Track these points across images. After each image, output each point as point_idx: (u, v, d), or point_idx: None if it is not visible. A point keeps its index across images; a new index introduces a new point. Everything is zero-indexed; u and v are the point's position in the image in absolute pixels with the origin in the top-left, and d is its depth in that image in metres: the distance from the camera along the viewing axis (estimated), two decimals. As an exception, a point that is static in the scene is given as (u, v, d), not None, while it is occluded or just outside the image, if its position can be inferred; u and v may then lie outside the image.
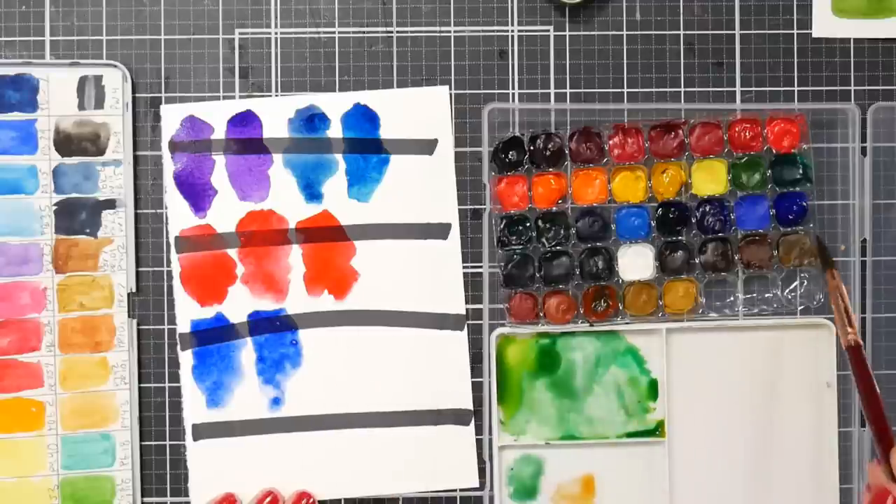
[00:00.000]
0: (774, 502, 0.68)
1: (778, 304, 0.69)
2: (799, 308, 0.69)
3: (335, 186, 0.68)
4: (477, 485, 0.68)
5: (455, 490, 0.68)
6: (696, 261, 0.68)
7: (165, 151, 0.68)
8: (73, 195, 0.67)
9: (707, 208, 0.68)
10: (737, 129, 0.68)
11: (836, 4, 0.69)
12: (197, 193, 0.68)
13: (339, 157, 0.68)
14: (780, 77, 0.69)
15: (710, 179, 0.68)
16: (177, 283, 0.68)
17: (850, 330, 0.61)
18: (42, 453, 0.67)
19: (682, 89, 0.69)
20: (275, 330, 0.68)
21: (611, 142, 0.68)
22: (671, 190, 0.68)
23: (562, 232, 0.68)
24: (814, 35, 0.69)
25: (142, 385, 0.68)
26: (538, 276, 0.68)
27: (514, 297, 0.68)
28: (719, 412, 0.68)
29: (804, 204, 0.68)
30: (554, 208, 0.68)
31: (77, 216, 0.67)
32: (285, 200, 0.68)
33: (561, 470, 0.68)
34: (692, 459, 0.68)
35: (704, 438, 0.68)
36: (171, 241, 0.68)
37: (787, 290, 0.69)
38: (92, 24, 0.68)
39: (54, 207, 0.67)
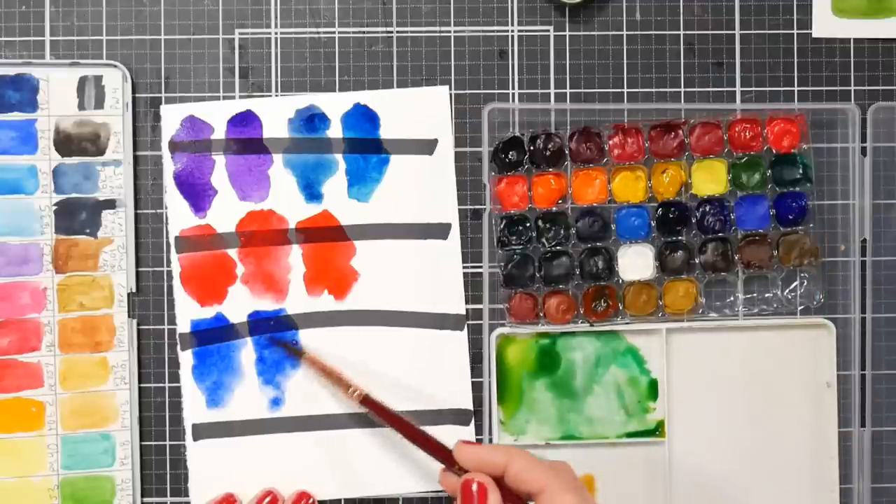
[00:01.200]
0: (774, 502, 0.68)
1: (778, 304, 0.69)
2: (799, 308, 0.69)
3: (335, 186, 0.68)
4: (477, 485, 0.68)
5: (455, 490, 0.68)
6: (696, 261, 0.68)
7: (165, 151, 0.68)
8: (73, 195, 0.67)
9: (707, 208, 0.68)
10: (737, 129, 0.68)
11: (836, 4, 0.69)
12: (197, 193, 0.68)
13: (339, 157, 0.68)
14: (780, 77, 0.69)
15: (710, 179, 0.68)
16: (177, 283, 0.68)
17: (352, 389, 0.63)
18: (42, 453, 0.67)
19: (682, 89, 0.69)
20: (275, 330, 0.68)
21: (611, 142, 0.68)
22: (671, 190, 0.68)
23: (562, 232, 0.68)
24: (814, 35, 0.69)
25: (142, 385, 0.68)
26: (538, 276, 0.68)
27: (514, 297, 0.68)
28: (719, 412, 0.68)
29: (804, 204, 0.68)
30: (554, 208, 0.68)
31: (77, 216, 0.67)
32: (285, 200, 0.68)
33: (561, 470, 0.68)
34: (692, 459, 0.68)
35: (704, 438, 0.68)
36: (171, 241, 0.68)
37: (787, 290, 0.69)
38: (92, 24, 0.68)
39: (54, 207, 0.67)
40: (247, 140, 0.68)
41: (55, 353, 0.67)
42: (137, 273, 0.68)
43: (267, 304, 0.68)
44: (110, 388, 0.67)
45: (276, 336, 0.66)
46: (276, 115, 0.68)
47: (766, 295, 0.69)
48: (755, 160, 0.68)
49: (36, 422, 0.67)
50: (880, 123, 0.69)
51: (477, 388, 0.68)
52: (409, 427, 0.61)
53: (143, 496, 0.68)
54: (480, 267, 0.68)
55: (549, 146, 0.68)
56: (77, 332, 0.67)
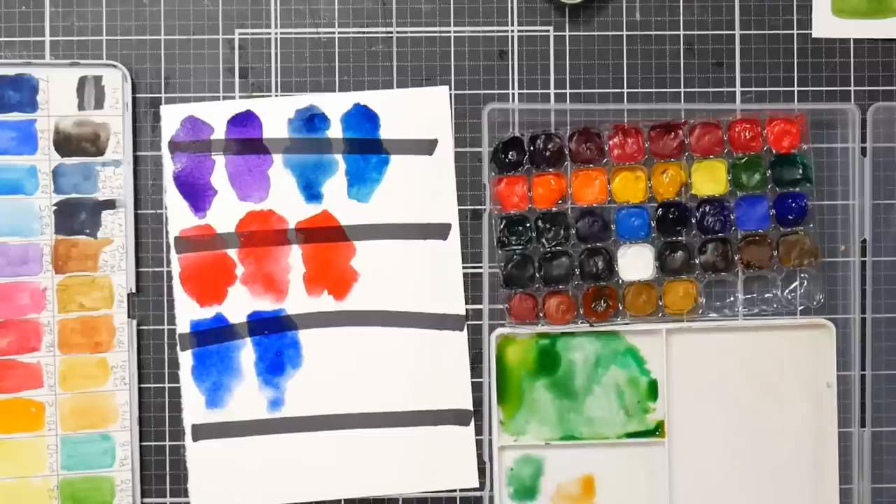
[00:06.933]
0: (774, 502, 0.68)
1: (778, 304, 0.69)
2: (799, 308, 0.69)
3: (335, 186, 0.68)
4: (477, 485, 0.68)
5: (455, 490, 0.68)
6: (696, 261, 0.68)
7: (165, 151, 0.68)
8: (73, 195, 0.67)
9: (707, 208, 0.68)
10: (737, 129, 0.68)
11: (836, 4, 0.69)
12: (197, 193, 0.68)
13: (338, 157, 0.68)
14: (780, 77, 0.69)
15: (710, 179, 0.68)
16: (176, 283, 0.68)
17: None
18: (42, 454, 0.67)
19: (682, 89, 0.69)
20: (274, 330, 0.68)
21: (611, 142, 0.68)
22: (671, 190, 0.68)
23: (562, 232, 0.68)
24: (814, 35, 0.69)
25: (141, 385, 0.68)
26: (538, 276, 0.68)
27: (514, 298, 0.68)
28: (719, 412, 0.68)
29: (804, 204, 0.68)
30: (554, 208, 0.68)
31: (77, 216, 0.67)
32: (285, 200, 0.68)
33: (561, 470, 0.68)
34: (692, 459, 0.68)
35: (704, 439, 0.68)
36: (171, 241, 0.68)
37: (787, 290, 0.69)
38: (92, 24, 0.68)
39: (54, 208, 0.67)
40: (247, 140, 0.68)
41: (55, 354, 0.67)
42: (137, 273, 0.67)
43: (267, 305, 0.68)
44: (110, 389, 0.67)
45: None
46: (276, 115, 0.68)
47: (766, 295, 0.69)
48: (755, 160, 0.68)
49: (36, 422, 0.67)
50: (880, 123, 0.69)
51: (477, 388, 0.68)
52: None
53: (142, 497, 0.67)
54: (480, 267, 0.68)
55: (549, 146, 0.68)
56: (77, 332, 0.67)
